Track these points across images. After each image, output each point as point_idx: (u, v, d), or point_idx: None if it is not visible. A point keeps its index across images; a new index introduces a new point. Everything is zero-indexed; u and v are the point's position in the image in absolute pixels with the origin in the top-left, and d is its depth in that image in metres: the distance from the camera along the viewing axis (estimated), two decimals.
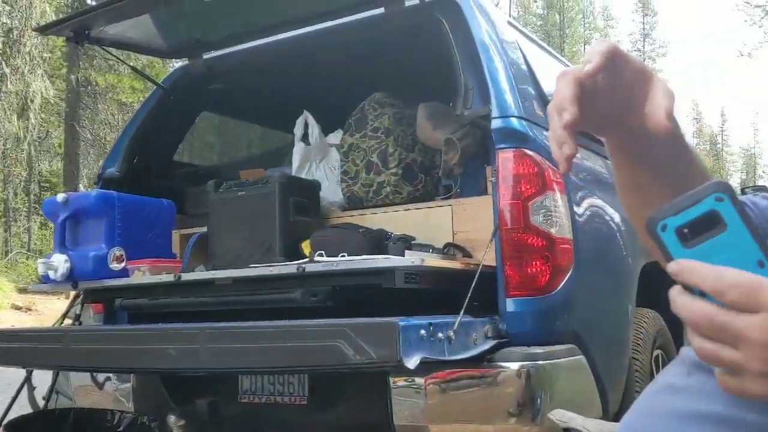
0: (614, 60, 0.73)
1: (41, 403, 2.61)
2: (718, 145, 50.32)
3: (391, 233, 2.30)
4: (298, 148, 2.81)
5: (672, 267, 0.59)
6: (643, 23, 42.17)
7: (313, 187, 2.59)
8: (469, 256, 2.26)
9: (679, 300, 0.59)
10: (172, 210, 2.76)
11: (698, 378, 0.71)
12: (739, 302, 0.56)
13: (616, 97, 0.75)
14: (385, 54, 2.92)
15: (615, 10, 79.70)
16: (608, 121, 0.77)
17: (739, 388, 0.59)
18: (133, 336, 2.05)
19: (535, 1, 37.62)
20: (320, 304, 1.97)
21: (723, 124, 52.23)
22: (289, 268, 2.03)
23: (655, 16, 42.75)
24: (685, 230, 0.57)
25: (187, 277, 2.29)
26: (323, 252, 2.08)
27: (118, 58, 5.40)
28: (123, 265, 2.44)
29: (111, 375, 2.41)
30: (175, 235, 2.82)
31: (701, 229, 0.57)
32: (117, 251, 2.44)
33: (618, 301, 2.40)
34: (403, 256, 1.99)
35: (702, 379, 0.71)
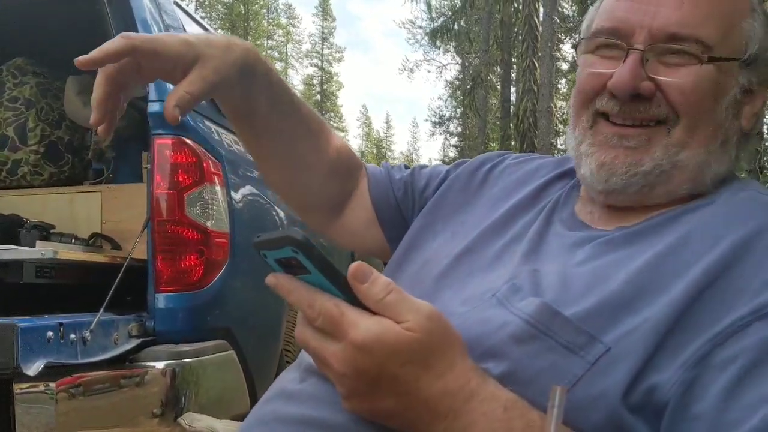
0: (136, 53, 0.74)
1: None
2: (383, 149, 55.41)
3: (27, 219, 2.03)
4: None
5: (269, 279, 0.60)
6: (322, 27, 44.49)
7: None
8: (119, 247, 2.10)
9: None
10: None
11: (311, 383, 0.71)
12: (326, 330, 0.58)
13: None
14: (33, 17, 2.57)
15: (298, 9, 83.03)
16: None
17: None
18: None
19: None
20: None
21: (387, 130, 57.67)
22: None
23: (333, 22, 45.33)
24: (284, 262, 0.58)
25: None
26: None
27: None
28: None
29: None
30: None
31: (294, 267, 0.58)
32: None
33: (273, 294, 2.43)
34: (35, 246, 1.76)
35: (314, 384, 0.70)
